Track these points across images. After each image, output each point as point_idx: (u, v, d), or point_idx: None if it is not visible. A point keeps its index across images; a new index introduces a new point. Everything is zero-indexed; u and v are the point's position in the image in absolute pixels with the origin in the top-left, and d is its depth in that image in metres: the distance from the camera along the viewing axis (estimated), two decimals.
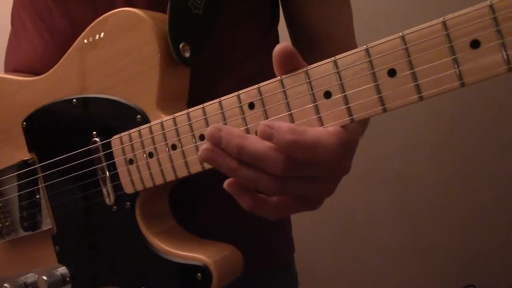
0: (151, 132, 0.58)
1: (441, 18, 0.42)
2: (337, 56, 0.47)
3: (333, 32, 0.76)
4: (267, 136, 0.45)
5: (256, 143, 0.46)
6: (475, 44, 0.41)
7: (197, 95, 0.64)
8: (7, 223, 0.72)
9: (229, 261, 0.60)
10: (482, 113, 1.69)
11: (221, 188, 0.71)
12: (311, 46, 0.76)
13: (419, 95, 0.43)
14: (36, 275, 0.70)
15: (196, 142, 0.55)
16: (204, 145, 0.48)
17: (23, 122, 0.70)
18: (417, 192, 1.73)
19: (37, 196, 0.70)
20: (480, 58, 0.41)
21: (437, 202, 1.74)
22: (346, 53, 0.46)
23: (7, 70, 0.78)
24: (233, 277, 0.60)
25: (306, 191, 0.50)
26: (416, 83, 0.43)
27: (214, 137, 0.47)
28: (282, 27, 0.81)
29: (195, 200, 0.70)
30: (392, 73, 0.44)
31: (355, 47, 0.76)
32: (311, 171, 0.48)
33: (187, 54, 0.60)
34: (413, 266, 1.73)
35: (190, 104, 0.64)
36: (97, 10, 0.65)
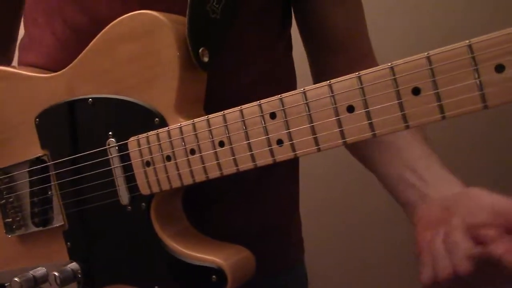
0: (169, 136, 0.59)
1: (467, 41, 0.43)
2: (361, 72, 0.48)
3: (355, 35, 0.76)
4: None
5: None
6: (500, 68, 0.42)
7: (208, 96, 0.64)
8: (17, 218, 0.73)
9: (243, 264, 0.61)
10: (482, 113, 1.70)
11: (235, 191, 0.72)
12: (333, 51, 0.76)
13: (442, 115, 0.45)
14: (45, 269, 0.71)
15: (215, 148, 0.56)
16: None
17: (35, 118, 0.70)
18: None
19: (49, 193, 0.70)
20: (505, 82, 0.42)
21: None
22: (371, 69, 0.47)
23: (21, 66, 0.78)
24: (245, 279, 0.62)
25: None
26: (439, 103, 0.45)
27: None
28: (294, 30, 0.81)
29: (209, 204, 0.71)
30: (416, 91, 0.46)
31: (371, 48, 0.77)
32: None
33: (206, 59, 0.61)
34: (414, 266, 1.75)
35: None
36: (114, 8, 0.65)
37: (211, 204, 0.72)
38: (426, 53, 0.45)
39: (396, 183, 0.67)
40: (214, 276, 0.59)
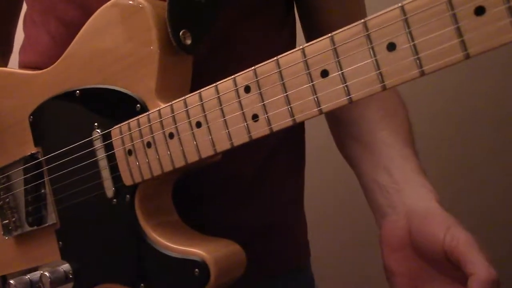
0: (149, 120, 0.56)
1: None
2: (334, 32, 0.44)
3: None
4: None
5: None
6: (479, 10, 0.37)
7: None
8: (13, 219, 0.72)
9: (230, 258, 0.57)
10: (482, 112, 1.64)
11: (230, 188, 0.69)
12: None
13: (420, 69, 0.40)
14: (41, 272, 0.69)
15: (192, 130, 0.53)
16: None
17: (30, 116, 0.69)
18: None
19: (43, 191, 0.69)
20: (485, 26, 0.37)
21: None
22: (343, 28, 0.43)
23: (20, 67, 0.78)
24: (233, 275, 0.57)
25: None
26: (417, 56, 0.40)
27: None
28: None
29: (205, 205, 0.68)
30: (391, 47, 0.41)
31: None
32: None
33: (188, 41, 0.58)
34: None
35: None
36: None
37: (208, 204, 0.69)
38: (399, 4, 0.41)
39: (370, 183, 0.65)
40: (196, 270, 0.55)
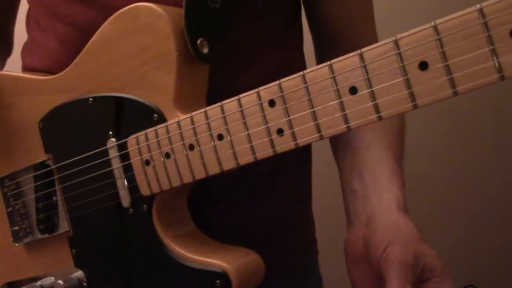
0: (167, 131, 0.56)
1: (478, 6, 0.39)
2: (363, 49, 0.44)
3: (358, 29, 0.72)
4: None
5: None
6: None
7: (215, 92, 0.61)
8: (24, 226, 0.71)
9: (250, 268, 0.57)
10: (482, 112, 1.65)
11: (240, 189, 0.69)
12: (332, 43, 0.72)
13: (453, 90, 0.40)
14: (53, 278, 0.69)
15: (214, 142, 0.52)
16: None
17: (39, 122, 0.68)
18: (418, 192, 1.69)
19: (54, 198, 0.68)
20: None
21: (437, 202, 1.70)
22: (373, 45, 0.43)
23: (25, 70, 0.77)
24: (253, 284, 0.57)
25: None
26: (450, 76, 0.40)
27: None
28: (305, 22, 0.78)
29: (215, 202, 0.68)
30: (423, 66, 0.41)
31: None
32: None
33: (205, 50, 0.58)
34: None
35: (209, 102, 0.61)
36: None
37: (218, 202, 0.69)
38: (432, 23, 0.40)
39: (345, 186, 0.65)
40: (218, 281, 0.55)
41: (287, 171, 0.73)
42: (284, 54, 0.72)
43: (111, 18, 0.61)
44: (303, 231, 0.79)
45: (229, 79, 0.66)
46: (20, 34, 0.85)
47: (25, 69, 0.77)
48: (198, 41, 0.57)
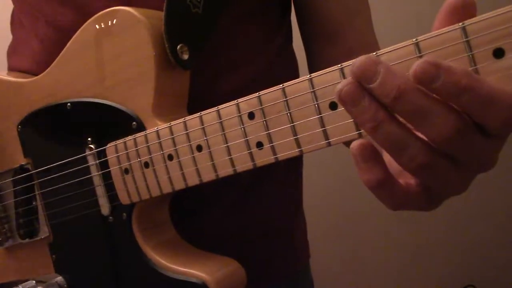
0: (146, 140, 0.54)
1: (460, 24, 0.37)
2: (344, 64, 0.42)
3: (356, 24, 0.70)
4: (430, 77, 0.32)
5: (422, 96, 0.33)
6: (498, 53, 0.36)
7: (197, 97, 0.60)
8: (4, 230, 0.70)
9: (231, 278, 0.56)
10: None
11: (229, 193, 0.68)
12: (332, 41, 0.70)
13: None
14: (34, 282, 0.68)
15: (193, 153, 0.51)
16: (346, 80, 0.35)
17: (18, 125, 0.67)
18: None
19: (34, 203, 0.67)
20: (505, 70, 0.36)
21: None
22: (353, 60, 0.42)
23: (9, 71, 0.75)
24: None
25: (444, 180, 0.38)
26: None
27: (364, 72, 0.34)
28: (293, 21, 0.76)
29: (202, 207, 0.67)
30: None
31: (376, 41, 0.71)
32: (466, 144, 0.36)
33: (186, 56, 0.56)
34: (413, 266, 1.70)
35: (190, 107, 0.60)
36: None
37: (209, 206, 0.68)
38: (414, 39, 0.39)
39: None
40: None
41: (277, 176, 0.72)
42: (270, 56, 0.70)
43: (89, 20, 0.59)
44: (294, 236, 0.78)
45: (210, 85, 0.64)
46: (6, 34, 0.83)
47: (10, 69, 0.75)
48: (178, 47, 0.55)
